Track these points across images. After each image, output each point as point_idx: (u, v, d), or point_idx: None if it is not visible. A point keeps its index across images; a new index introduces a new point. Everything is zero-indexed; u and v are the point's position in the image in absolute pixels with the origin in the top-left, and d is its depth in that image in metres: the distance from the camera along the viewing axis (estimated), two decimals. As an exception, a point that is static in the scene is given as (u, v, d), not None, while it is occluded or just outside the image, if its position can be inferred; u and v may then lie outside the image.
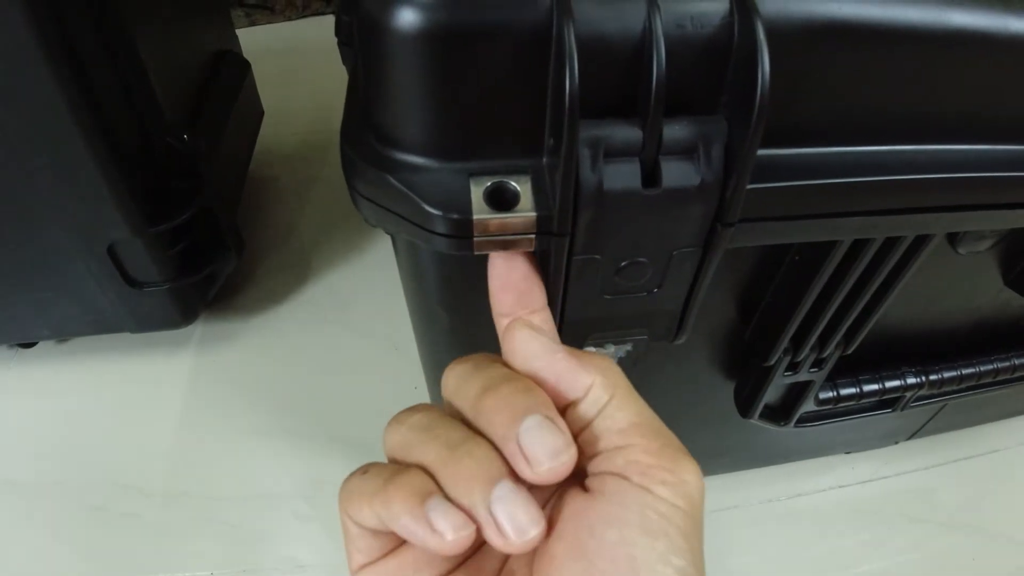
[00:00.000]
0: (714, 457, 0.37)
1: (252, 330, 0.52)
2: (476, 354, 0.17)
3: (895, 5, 0.19)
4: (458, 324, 0.23)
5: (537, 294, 0.17)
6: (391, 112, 0.18)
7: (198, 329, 0.52)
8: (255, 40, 0.66)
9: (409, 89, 0.17)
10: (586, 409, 0.15)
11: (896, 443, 0.41)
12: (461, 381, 0.16)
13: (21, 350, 0.52)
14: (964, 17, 0.19)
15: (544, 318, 0.17)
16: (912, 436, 0.40)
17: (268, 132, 0.62)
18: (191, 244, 0.46)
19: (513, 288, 0.17)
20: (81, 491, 0.44)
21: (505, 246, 0.18)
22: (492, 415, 0.14)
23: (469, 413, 0.15)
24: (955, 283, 0.28)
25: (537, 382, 0.15)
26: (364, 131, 0.19)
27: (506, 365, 0.16)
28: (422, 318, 0.24)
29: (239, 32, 0.60)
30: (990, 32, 0.20)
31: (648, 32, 0.16)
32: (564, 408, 0.15)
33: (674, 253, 0.19)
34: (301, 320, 0.53)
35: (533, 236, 0.18)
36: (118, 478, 0.44)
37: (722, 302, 0.25)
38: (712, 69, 0.17)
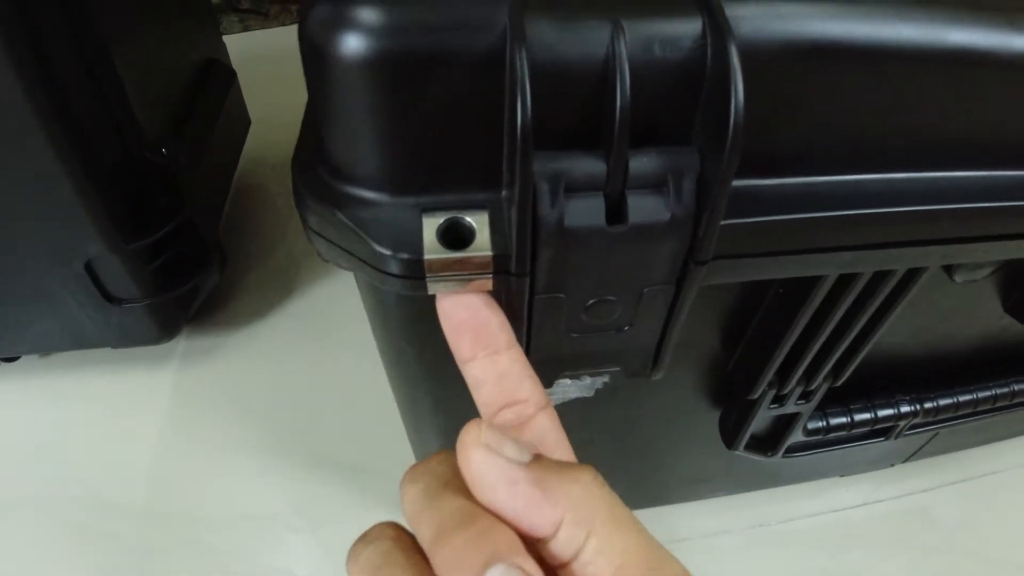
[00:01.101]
0: (701, 482, 0.35)
1: (236, 344, 0.51)
2: (429, 466, 0.14)
3: (886, 23, 0.18)
4: (426, 359, 0.22)
5: (496, 331, 0.15)
6: (339, 144, 0.17)
7: (181, 343, 0.51)
8: (249, 46, 0.66)
9: (356, 120, 0.16)
10: (559, 549, 0.13)
11: (892, 466, 0.39)
12: (415, 512, 0.14)
13: (3, 364, 0.51)
14: (963, 35, 0.18)
15: (512, 357, 0.15)
16: (908, 459, 0.38)
17: (259, 140, 0.61)
18: (172, 259, 0.45)
19: (466, 330, 0.15)
20: (62, 508, 0.43)
21: (461, 286, 0.17)
22: (449, 571, 0.12)
23: (428, 553, 0.13)
24: (951, 310, 0.26)
25: (499, 516, 0.13)
26: (315, 162, 0.18)
27: (464, 488, 0.14)
28: (388, 353, 0.23)
29: (234, 38, 0.59)
30: (992, 51, 0.18)
31: (611, 57, 0.15)
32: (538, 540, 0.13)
33: (645, 291, 0.18)
34: (286, 334, 0.52)
35: (490, 276, 0.16)
36: (100, 495, 0.43)
37: (704, 332, 0.24)
38: (684, 96, 0.16)
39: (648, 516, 0.43)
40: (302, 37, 0.16)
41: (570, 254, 0.16)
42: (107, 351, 0.49)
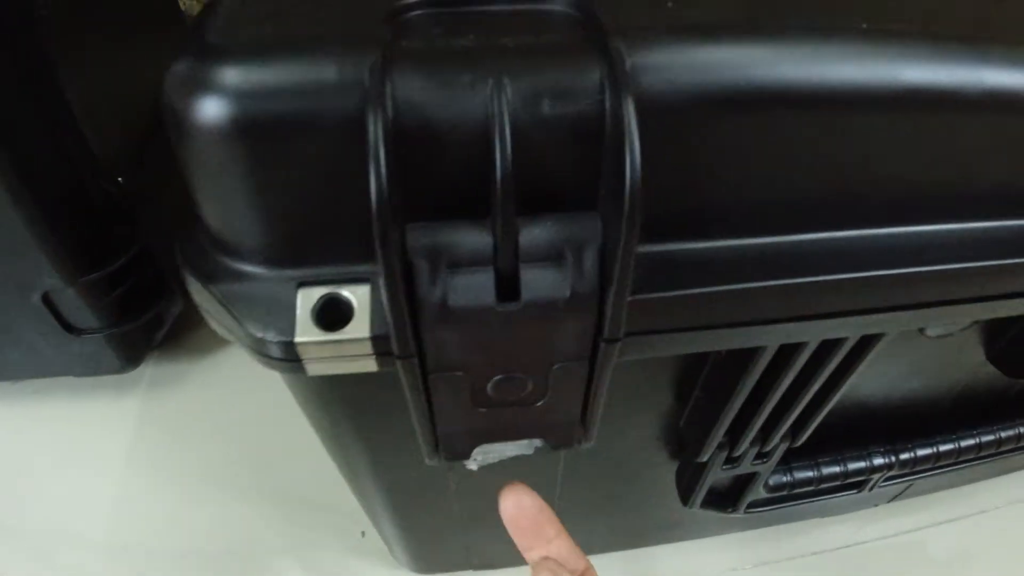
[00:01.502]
0: (667, 529, 0.34)
1: (204, 371, 0.50)
2: None
3: (821, 63, 0.16)
4: (339, 429, 0.21)
5: (547, 527, 0.19)
6: (208, 211, 0.15)
7: (148, 370, 0.50)
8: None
9: (220, 187, 0.14)
10: None
11: (875, 506, 0.37)
12: None
13: (-28, 392, 0.51)
14: (921, 72, 0.16)
15: (563, 542, 0.19)
16: (893, 500, 0.36)
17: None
18: (132, 288, 0.44)
19: (525, 531, 0.19)
20: (22, 538, 0.42)
21: (345, 366, 0.15)
22: None
23: None
24: (927, 362, 0.24)
25: None
26: (197, 229, 0.16)
27: None
28: (309, 418, 0.21)
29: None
30: (957, 89, 0.16)
31: (492, 117, 0.13)
32: None
33: (554, 367, 0.16)
34: (255, 361, 0.51)
35: (372, 357, 0.15)
36: (61, 526, 0.43)
37: (650, 388, 0.22)
38: (582, 157, 0.14)
39: (621, 559, 0.41)
40: (161, 96, 0.14)
41: (459, 334, 0.14)
42: (74, 379, 0.48)
